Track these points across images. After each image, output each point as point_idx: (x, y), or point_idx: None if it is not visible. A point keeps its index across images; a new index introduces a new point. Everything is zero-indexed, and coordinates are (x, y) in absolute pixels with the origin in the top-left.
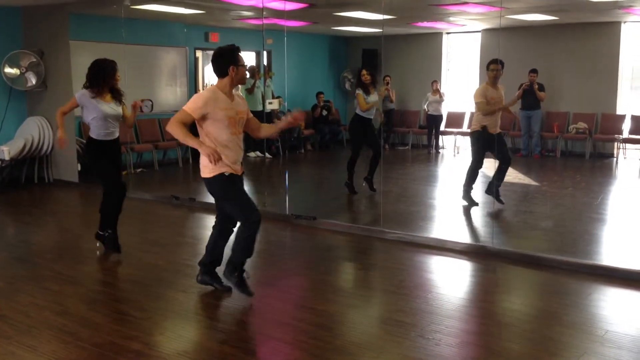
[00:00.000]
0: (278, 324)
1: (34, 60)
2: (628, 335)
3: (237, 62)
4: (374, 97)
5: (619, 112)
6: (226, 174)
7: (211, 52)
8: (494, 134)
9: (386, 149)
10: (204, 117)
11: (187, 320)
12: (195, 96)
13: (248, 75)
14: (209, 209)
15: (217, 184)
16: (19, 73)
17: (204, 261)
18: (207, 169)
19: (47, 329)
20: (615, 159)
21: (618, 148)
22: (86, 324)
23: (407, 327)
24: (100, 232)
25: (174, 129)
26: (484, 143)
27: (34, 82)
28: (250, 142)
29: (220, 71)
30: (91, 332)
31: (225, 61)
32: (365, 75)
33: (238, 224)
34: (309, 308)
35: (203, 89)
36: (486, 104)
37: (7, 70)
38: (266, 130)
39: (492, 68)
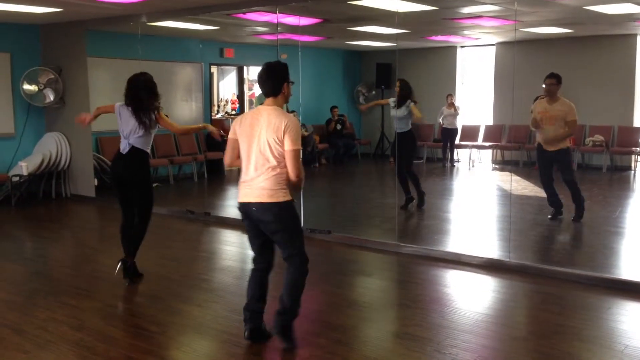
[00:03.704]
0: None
1: (52, 76)
2: None
3: (288, 78)
4: (394, 112)
5: (636, 124)
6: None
7: (226, 67)
8: None
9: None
10: None
11: (203, 334)
12: (295, 125)
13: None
14: (224, 224)
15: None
16: (37, 89)
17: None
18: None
19: (65, 344)
20: (632, 171)
21: (635, 161)
22: (103, 339)
23: (424, 342)
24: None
25: (302, 170)
26: None
27: (52, 98)
28: None
29: (276, 89)
30: (108, 346)
31: (282, 77)
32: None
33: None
34: (325, 322)
35: (217, 104)
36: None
37: (26, 86)
38: None
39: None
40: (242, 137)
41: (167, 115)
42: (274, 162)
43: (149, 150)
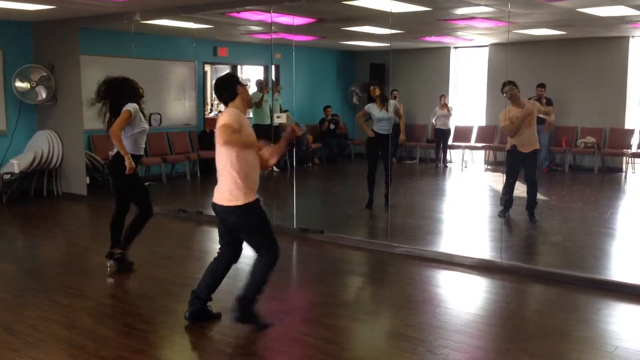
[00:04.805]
0: (286, 338)
1: (45, 74)
2: (638, 352)
3: (240, 81)
4: (382, 113)
5: (627, 126)
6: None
7: (219, 66)
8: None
9: (394, 163)
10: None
11: (195, 334)
12: (225, 115)
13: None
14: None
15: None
16: (29, 87)
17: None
18: (238, 197)
19: (55, 342)
20: (623, 173)
21: (627, 162)
22: (94, 338)
23: (415, 342)
24: (120, 252)
25: (235, 140)
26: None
27: (44, 96)
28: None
29: (230, 94)
30: (99, 345)
31: (231, 83)
32: (374, 90)
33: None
34: (317, 322)
35: (211, 103)
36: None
37: (18, 84)
38: (272, 155)
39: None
40: None
41: (160, 115)
42: (228, 166)
43: (134, 153)
